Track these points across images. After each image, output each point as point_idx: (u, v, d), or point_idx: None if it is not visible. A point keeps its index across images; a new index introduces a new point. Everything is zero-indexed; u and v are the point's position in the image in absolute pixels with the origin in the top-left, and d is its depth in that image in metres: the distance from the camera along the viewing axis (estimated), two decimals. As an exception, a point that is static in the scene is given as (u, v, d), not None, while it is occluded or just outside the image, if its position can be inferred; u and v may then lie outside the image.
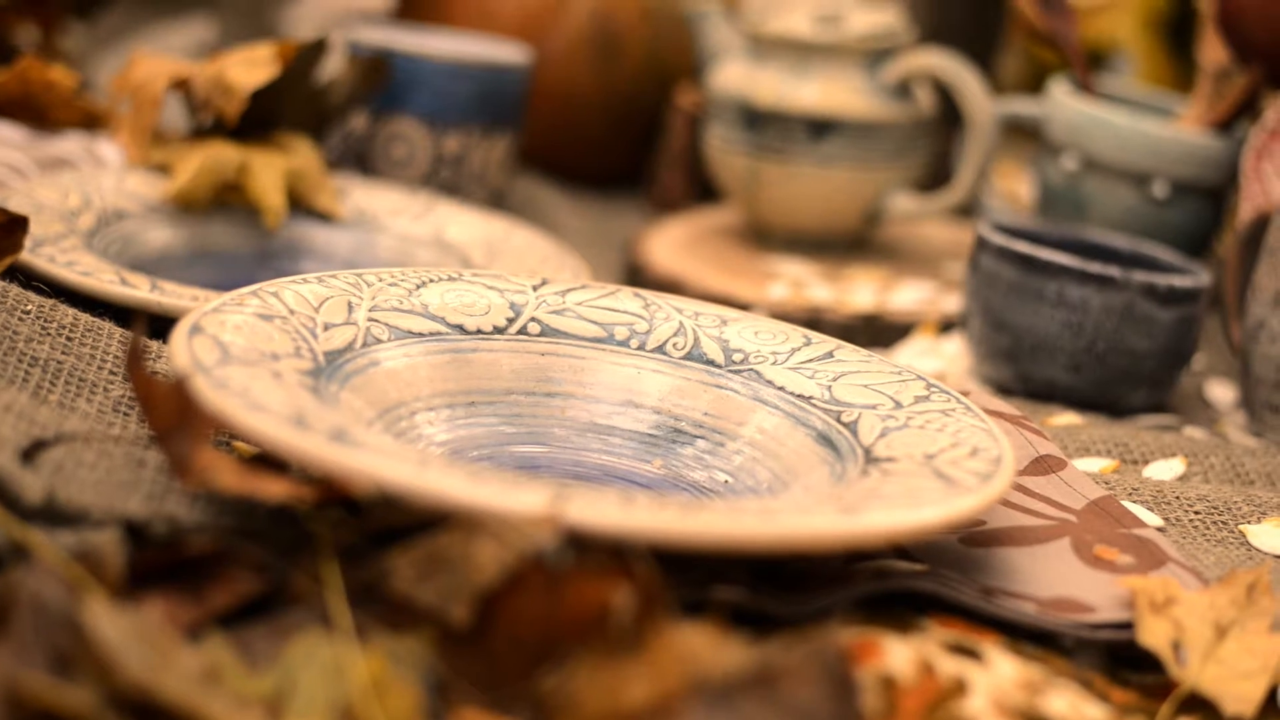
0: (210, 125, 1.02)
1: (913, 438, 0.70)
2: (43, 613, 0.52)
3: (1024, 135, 1.42)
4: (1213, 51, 1.07)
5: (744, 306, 1.05)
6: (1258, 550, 0.75)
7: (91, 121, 1.06)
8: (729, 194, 1.20)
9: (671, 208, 1.30)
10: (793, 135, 1.14)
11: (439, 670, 0.55)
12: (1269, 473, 0.85)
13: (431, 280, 0.77)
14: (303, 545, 0.62)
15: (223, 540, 0.60)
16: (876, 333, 1.05)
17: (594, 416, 0.76)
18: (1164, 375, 0.93)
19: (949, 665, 0.59)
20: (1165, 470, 0.84)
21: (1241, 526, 0.77)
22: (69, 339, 0.75)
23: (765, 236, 1.19)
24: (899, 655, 0.59)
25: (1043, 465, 0.77)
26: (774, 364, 0.76)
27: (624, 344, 0.78)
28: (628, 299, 0.80)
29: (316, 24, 1.42)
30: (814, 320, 1.05)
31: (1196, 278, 0.93)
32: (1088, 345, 0.92)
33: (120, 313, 0.81)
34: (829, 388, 0.74)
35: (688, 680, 0.52)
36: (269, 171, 0.99)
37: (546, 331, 0.77)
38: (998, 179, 1.38)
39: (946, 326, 1.06)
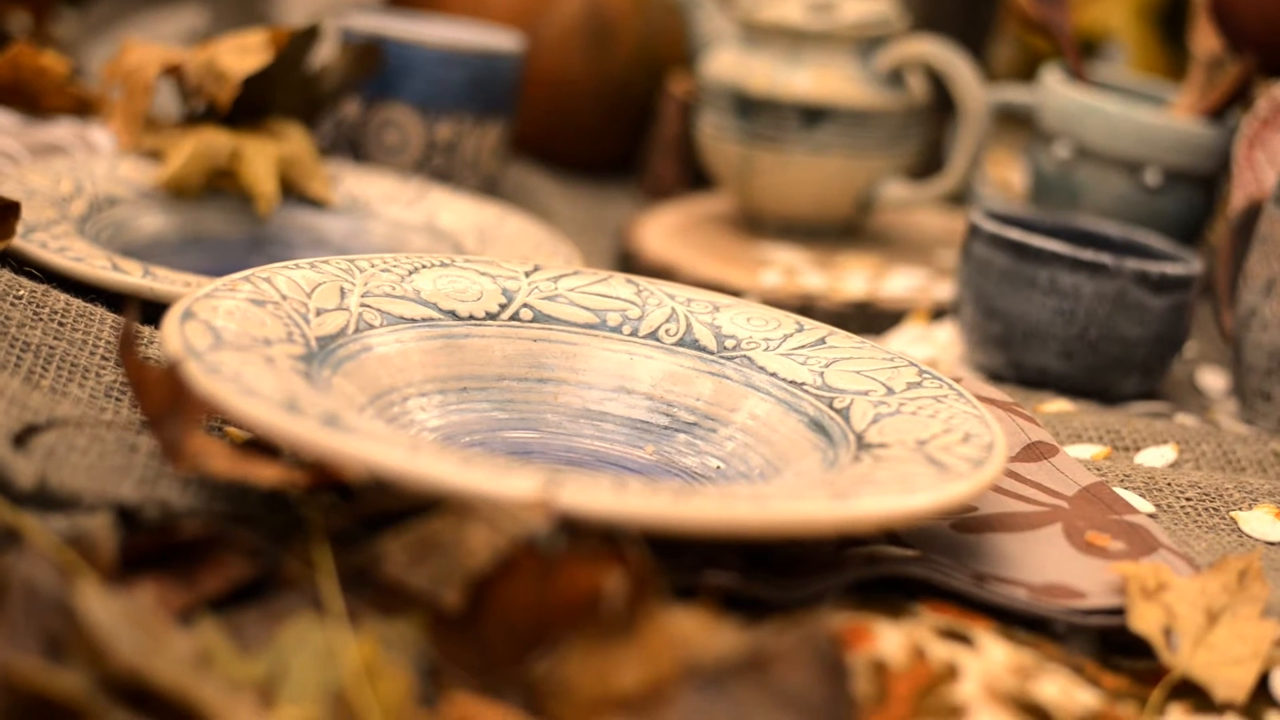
0: (202, 112, 1.02)
1: (905, 424, 0.70)
2: (35, 597, 0.52)
3: (1016, 123, 1.42)
4: (1205, 40, 1.07)
5: (736, 293, 1.05)
6: (1249, 537, 0.76)
7: (84, 108, 1.05)
8: (721, 181, 1.20)
9: (664, 195, 1.30)
10: (785, 123, 1.14)
11: (431, 655, 0.55)
12: (1260, 460, 0.85)
13: (424, 266, 0.77)
14: (295, 530, 0.62)
15: (215, 525, 0.60)
16: (869, 320, 1.05)
17: (586, 402, 0.76)
18: (1156, 362, 0.94)
19: (941, 650, 0.59)
20: (1157, 457, 0.84)
21: (1233, 513, 0.77)
22: (61, 324, 0.75)
23: (758, 224, 1.19)
24: (891, 640, 0.59)
25: (1035, 451, 0.77)
26: (766, 350, 0.77)
27: (616, 330, 0.78)
28: (620, 285, 0.80)
29: (309, 10, 1.42)
30: (806, 307, 1.05)
31: (1188, 265, 0.93)
32: (1080, 332, 0.92)
33: (112, 298, 0.81)
34: (821, 374, 0.75)
35: (679, 665, 0.52)
36: (261, 158, 0.99)
37: (539, 317, 0.77)
38: (990, 167, 1.38)
39: (939, 314, 1.06)
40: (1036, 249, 0.91)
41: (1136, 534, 0.70)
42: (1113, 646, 0.64)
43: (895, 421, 0.70)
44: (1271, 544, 0.75)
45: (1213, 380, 1.00)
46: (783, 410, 0.74)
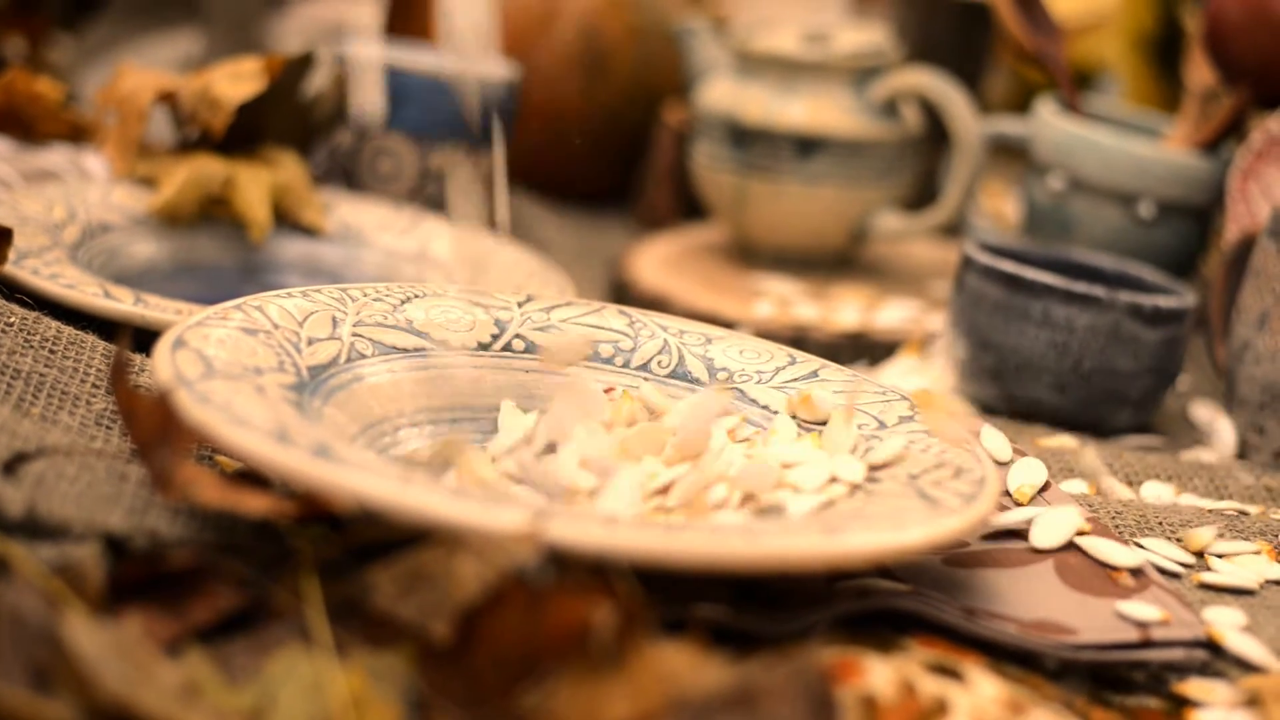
0: (196, 139, 1.02)
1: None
2: (21, 626, 0.52)
3: (1011, 155, 1.42)
4: (1200, 72, 1.07)
5: (729, 324, 1.04)
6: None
7: (77, 134, 1.05)
8: (715, 211, 1.20)
9: (658, 225, 1.30)
10: (780, 153, 1.14)
11: (419, 687, 0.54)
12: (1253, 495, 0.85)
13: (416, 296, 0.77)
14: (284, 560, 0.61)
15: (204, 555, 0.60)
16: (861, 351, 1.05)
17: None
18: (1149, 396, 0.93)
19: (930, 685, 0.59)
20: (1150, 492, 0.83)
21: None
22: (52, 352, 0.75)
23: (751, 254, 1.19)
24: (880, 675, 0.59)
25: (1026, 485, 0.76)
26: (758, 383, 0.76)
27: (609, 362, 0.78)
28: (613, 316, 0.79)
29: (304, 38, 1.42)
30: (799, 339, 1.05)
31: (1182, 298, 0.93)
32: (1073, 365, 0.92)
33: (104, 326, 0.81)
34: (813, 406, 0.74)
35: (668, 699, 0.52)
36: (254, 185, 0.99)
37: (531, 348, 0.77)
38: (984, 198, 1.38)
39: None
40: (1030, 281, 0.91)
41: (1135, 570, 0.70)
42: (1103, 683, 0.64)
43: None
44: (1271, 582, 0.75)
45: (1206, 414, 1.00)
46: (774, 442, 0.74)
